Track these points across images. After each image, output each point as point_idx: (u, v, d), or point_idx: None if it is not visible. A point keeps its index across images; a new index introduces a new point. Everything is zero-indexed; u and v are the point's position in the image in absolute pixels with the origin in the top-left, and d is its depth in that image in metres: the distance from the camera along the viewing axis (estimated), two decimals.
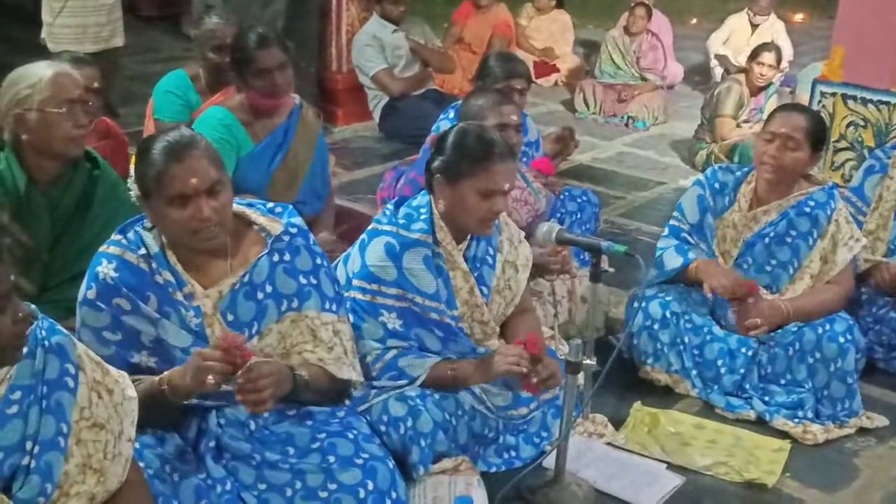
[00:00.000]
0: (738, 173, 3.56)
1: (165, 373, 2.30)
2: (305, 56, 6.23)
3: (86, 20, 5.67)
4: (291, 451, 2.43)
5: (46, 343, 1.93)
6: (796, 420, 3.26)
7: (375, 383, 2.76)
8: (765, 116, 4.58)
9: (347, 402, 2.64)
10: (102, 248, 2.42)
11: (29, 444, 1.90)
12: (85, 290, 2.39)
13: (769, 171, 3.39)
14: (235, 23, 4.26)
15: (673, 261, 3.49)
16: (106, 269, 2.37)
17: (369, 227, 2.91)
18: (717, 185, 3.54)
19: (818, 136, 3.40)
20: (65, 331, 1.99)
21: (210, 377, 2.17)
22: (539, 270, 3.32)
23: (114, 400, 2.02)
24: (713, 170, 3.61)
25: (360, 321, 2.77)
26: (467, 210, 2.78)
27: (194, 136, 2.38)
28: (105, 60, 5.39)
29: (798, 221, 3.41)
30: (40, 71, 2.85)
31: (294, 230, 2.51)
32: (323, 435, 2.45)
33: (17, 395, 1.90)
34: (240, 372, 2.22)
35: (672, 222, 3.59)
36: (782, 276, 3.44)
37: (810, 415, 3.27)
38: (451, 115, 3.95)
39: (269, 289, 2.45)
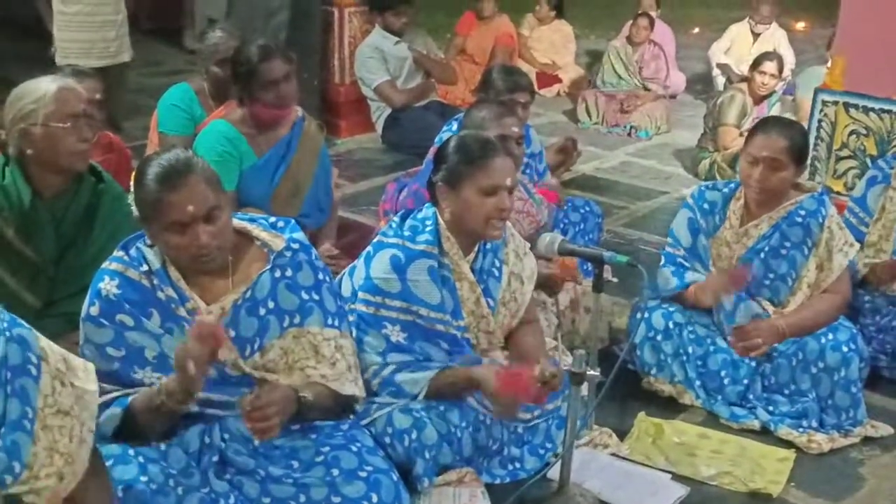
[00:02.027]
0: (726, 190, 3.53)
1: (162, 381, 2.31)
2: (308, 68, 6.25)
3: (93, 35, 5.70)
4: (295, 464, 2.44)
5: (8, 333, 1.94)
6: (801, 429, 3.26)
7: (377, 399, 2.76)
8: None
9: (351, 416, 2.65)
10: (105, 265, 2.44)
11: None
12: (88, 307, 2.41)
13: (756, 192, 3.39)
14: (238, 37, 4.28)
15: (668, 282, 3.49)
16: (108, 286, 2.39)
17: (375, 240, 2.92)
18: (706, 206, 3.52)
19: (801, 151, 3.37)
20: (27, 325, 2.01)
21: (190, 365, 2.16)
22: (543, 286, 3.34)
23: (76, 392, 2.05)
24: (700, 190, 3.58)
25: (363, 334, 2.77)
26: (473, 212, 2.79)
27: (190, 159, 2.37)
28: (111, 75, 5.42)
29: (791, 232, 3.40)
30: (44, 86, 2.86)
31: (296, 245, 2.52)
32: (327, 448, 2.46)
33: None
34: (248, 399, 2.23)
35: (667, 249, 3.58)
36: (782, 288, 3.43)
37: (815, 424, 3.27)
38: (454, 126, 3.96)
39: (270, 304, 2.46)
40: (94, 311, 2.39)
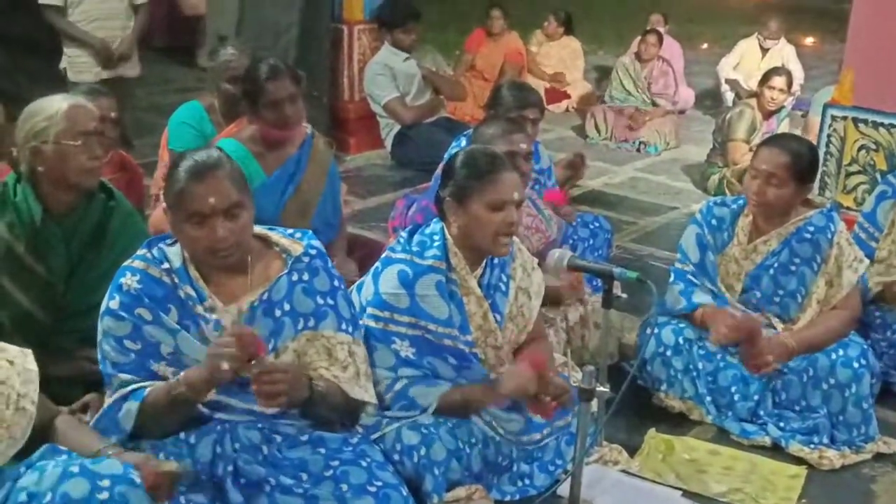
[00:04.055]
0: (734, 206, 3.53)
1: (182, 373, 2.36)
2: (318, 85, 6.29)
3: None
4: (304, 476, 2.44)
5: None
6: (812, 446, 3.24)
7: (388, 413, 2.77)
8: None
9: (359, 428, 2.66)
10: (127, 262, 2.51)
11: None
12: (108, 301, 2.47)
13: (755, 205, 3.40)
14: (249, 54, 4.30)
15: (677, 302, 3.49)
16: (130, 281, 2.45)
17: (383, 256, 2.93)
18: (714, 222, 3.52)
19: (802, 170, 3.35)
20: None
21: (224, 364, 2.23)
22: (551, 300, 3.33)
23: (15, 369, 2.19)
24: (708, 205, 3.59)
25: (372, 349, 2.78)
26: (481, 227, 2.80)
27: (221, 157, 2.47)
28: (119, 89, 5.44)
29: (800, 248, 3.40)
30: (56, 104, 2.88)
31: (314, 251, 2.59)
32: (336, 462, 2.47)
33: None
34: (255, 361, 2.28)
35: (676, 265, 3.59)
36: (791, 304, 3.43)
37: (826, 440, 3.25)
38: (463, 142, 3.97)
39: (286, 307, 2.51)
40: (114, 304, 2.45)
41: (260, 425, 2.49)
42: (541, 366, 2.76)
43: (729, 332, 3.25)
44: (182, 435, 2.45)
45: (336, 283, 2.61)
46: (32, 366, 2.27)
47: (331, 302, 2.57)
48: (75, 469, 2.07)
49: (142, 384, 2.42)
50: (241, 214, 2.43)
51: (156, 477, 2.13)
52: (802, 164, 3.36)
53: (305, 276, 2.55)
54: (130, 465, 2.13)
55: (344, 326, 2.58)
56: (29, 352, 2.30)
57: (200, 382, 2.31)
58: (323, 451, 2.50)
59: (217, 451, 2.45)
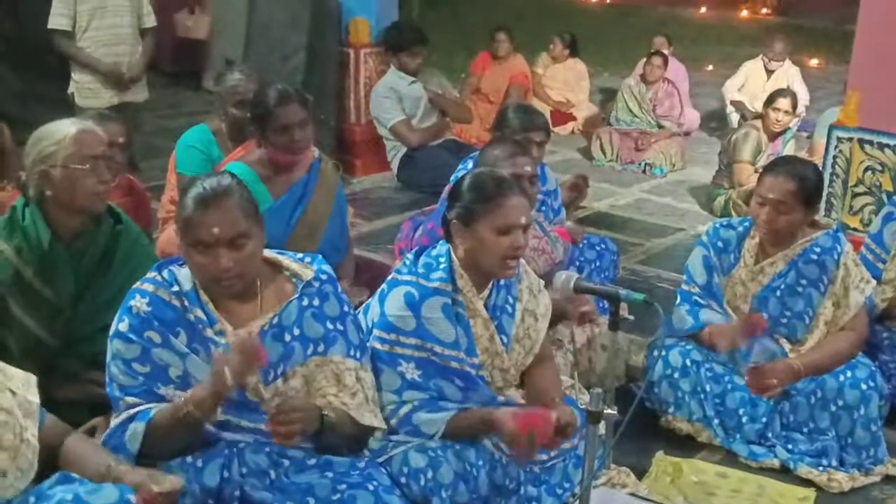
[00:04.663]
0: (740, 228, 3.54)
1: (189, 391, 2.36)
2: (324, 108, 6.32)
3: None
4: (312, 501, 2.43)
5: None
6: (821, 468, 3.23)
7: (393, 437, 2.76)
8: None
9: (367, 452, 2.66)
10: (137, 285, 2.51)
11: None
12: (117, 324, 2.48)
13: (765, 233, 3.41)
14: (256, 78, 4.32)
15: (684, 322, 3.49)
16: (139, 304, 2.46)
17: (389, 278, 2.93)
18: (720, 244, 3.53)
19: (809, 194, 3.37)
20: None
21: (228, 376, 2.23)
22: (559, 317, 3.32)
23: (17, 399, 2.19)
24: (714, 228, 3.59)
25: (378, 372, 2.78)
26: (487, 250, 2.80)
27: (232, 186, 2.47)
28: (126, 114, 5.47)
29: (806, 270, 3.40)
30: (65, 128, 2.90)
31: (324, 276, 2.61)
32: (343, 486, 2.46)
33: None
34: (272, 402, 2.31)
35: (682, 287, 3.59)
36: (799, 326, 3.42)
37: (835, 463, 3.24)
38: (469, 165, 3.97)
39: (296, 332, 2.52)
40: (124, 327, 2.45)
41: (267, 449, 2.49)
42: (536, 428, 2.65)
43: (732, 338, 3.26)
44: (189, 458, 2.45)
45: (345, 308, 2.62)
46: (34, 397, 2.26)
47: (340, 327, 2.59)
48: (69, 496, 2.09)
49: (148, 405, 2.42)
50: (246, 245, 2.43)
51: (150, 501, 2.12)
52: (809, 188, 3.36)
53: (315, 301, 2.56)
54: (130, 489, 2.14)
55: (352, 352, 2.59)
56: (33, 380, 2.29)
57: (206, 398, 2.30)
58: (330, 475, 2.50)
59: (224, 475, 2.44)
